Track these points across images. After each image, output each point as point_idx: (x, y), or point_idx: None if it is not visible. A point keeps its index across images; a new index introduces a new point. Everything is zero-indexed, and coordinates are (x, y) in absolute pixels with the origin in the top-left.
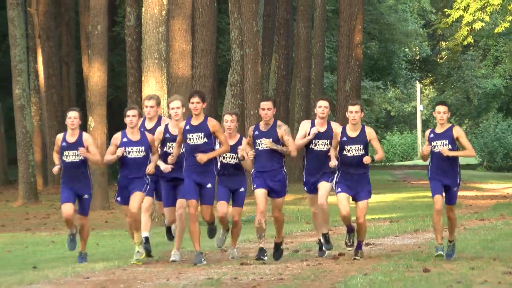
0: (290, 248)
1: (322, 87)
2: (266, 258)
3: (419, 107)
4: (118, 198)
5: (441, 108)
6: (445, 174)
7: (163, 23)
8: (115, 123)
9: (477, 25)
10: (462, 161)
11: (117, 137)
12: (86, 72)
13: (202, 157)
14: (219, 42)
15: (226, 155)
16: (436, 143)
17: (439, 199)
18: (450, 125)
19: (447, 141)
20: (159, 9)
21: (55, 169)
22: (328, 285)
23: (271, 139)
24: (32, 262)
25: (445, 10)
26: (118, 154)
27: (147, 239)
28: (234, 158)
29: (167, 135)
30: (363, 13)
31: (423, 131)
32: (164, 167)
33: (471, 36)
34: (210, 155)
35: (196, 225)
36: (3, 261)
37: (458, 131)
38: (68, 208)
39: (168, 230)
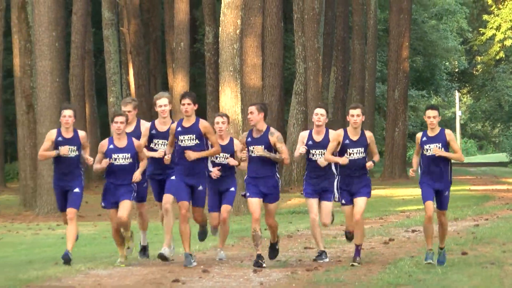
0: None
1: (374, 95)
2: (264, 264)
3: (458, 113)
4: (103, 204)
5: (431, 113)
6: (436, 178)
7: (237, 40)
8: None
9: (508, 42)
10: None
11: (103, 144)
12: (171, 83)
13: (190, 154)
14: (285, 57)
15: (219, 155)
16: (429, 146)
17: (430, 205)
18: (440, 128)
19: (441, 144)
20: (234, 29)
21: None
22: (380, 266)
23: (263, 146)
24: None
25: (480, 29)
26: (103, 165)
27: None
28: (227, 158)
29: (153, 131)
30: (409, 31)
31: (462, 134)
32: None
33: (502, 52)
34: (200, 154)
35: (187, 226)
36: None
37: (450, 135)
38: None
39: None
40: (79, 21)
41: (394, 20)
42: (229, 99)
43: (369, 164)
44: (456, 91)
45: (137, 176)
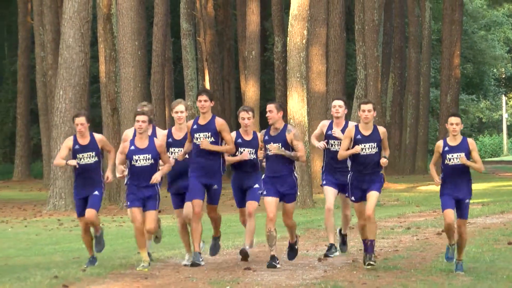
0: (403, 226)
1: (429, 99)
2: (279, 265)
3: (505, 115)
4: (128, 203)
5: (454, 120)
6: (457, 187)
7: (303, 49)
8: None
9: None
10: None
11: (126, 145)
12: (243, 88)
13: (206, 144)
14: (347, 64)
15: (244, 150)
16: (452, 155)
17: (450, 213)
18: (462, 137)
19: (463, 154)
20: (300, 39)
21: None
22: (433, 255)
23: (280, 144)
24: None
25: None
26: (119, 175)
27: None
28: (253, 154)
29: (170, 139)
30: (460, 41)
31: (508, 134)
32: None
33: None
34: (215, 147)
35: (199, 224)
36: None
37: (472, 144)
38: (84, 221)
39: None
40: (160, 31)
41: (446, 31)
42: (296, 103)
43: (383, 161)
44: (503, 95)
45: (156, 178)
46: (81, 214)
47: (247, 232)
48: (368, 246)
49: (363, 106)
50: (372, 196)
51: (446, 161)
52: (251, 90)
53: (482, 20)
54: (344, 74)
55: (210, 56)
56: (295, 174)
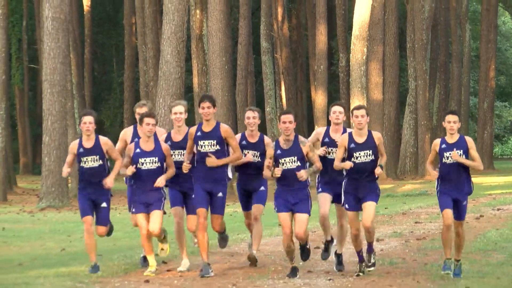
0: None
1: (468, 106)
2: (298, 277)
3: None
4: (133, 210)
5: (451, 118)
6: (455, 187)
7: (364, 64)
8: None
9: None
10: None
11: (130, 148)
12: (313, 97)
13: (212, 161)
14: (400, 76)
15: (248, 152)
16: (449, 153)
17: (449, 213)
18: (460, 135)
19: (462, 151)
20: (361, 55)
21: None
22: (472, 237)
23: (302, 171)
24: None
25: None
26: (128, 173)
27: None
28: (257, 157)
29: (169, 142)
30: (495, 57)
31: None
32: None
33: None
34: (221, 161)
35: (204, 235)
36: None
37: (470, 142)
38: (88, 220)
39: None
40: (243, 49)
41: (483, 49)
42: None
43: (378, 171)
44: None
45: (161, 181)
46: (84, 214)
47: (254, 236)
48: (360, 255)
49: (356, 112)
50: (370, 206)
51: (443, 159)
52: (320, 98)
53: None
54: (397, 85)
55: (285, 70)
56: (309, 189)
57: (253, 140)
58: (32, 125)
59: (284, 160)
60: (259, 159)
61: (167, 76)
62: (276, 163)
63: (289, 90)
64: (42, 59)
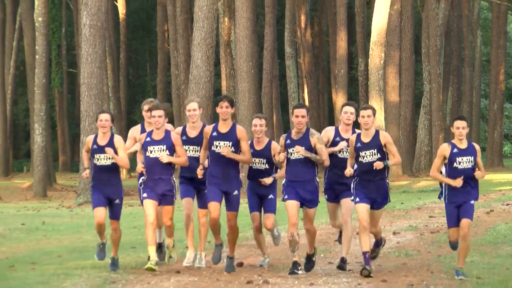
0: None
1: (480, 108)
2: (300, 272)
3: None
4: (144, 195)
5: (460, 123)
6: (465, 192)
7: (381, 68)
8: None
9: None
10: None
11: (141, 138)
12: (334, 99)
13: (228, 151)
14: (416, 80)
15: (255, 160)
16: (462, 159)
17: (455, 233)
18: (467, 141)
19: (472, 157)
20: (379, 60)
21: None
22: (483, 230)
23: (304, 148)
24: None
25: None
26: (139, 170)
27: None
28: (264, 164)
29: (184, 137)
30: (504, 62)
31: None
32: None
33: None
34: (234, 155)
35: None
36: None
37: (478, 149)
38: (100, 213)
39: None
40: (269, 54)
41: (493, 54)
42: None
43: (376, 163)
44: None
45: (165, 157)
46: (96, 205)
47: (261, 244)
48: (366, 258)
49: (362, 112)
50: (376, 214)
51: (455, 164)
52: (340, 100)
53: None
54: (413, 87)
55: (308, 74)
56: (317, 180)
57: (259, 147)
58: (70, 126)
59: (292, 150)
60: (267, 166)
61: (197, 79)
62: (286, 152)
63: (311, 92)
64: (80, 64)
